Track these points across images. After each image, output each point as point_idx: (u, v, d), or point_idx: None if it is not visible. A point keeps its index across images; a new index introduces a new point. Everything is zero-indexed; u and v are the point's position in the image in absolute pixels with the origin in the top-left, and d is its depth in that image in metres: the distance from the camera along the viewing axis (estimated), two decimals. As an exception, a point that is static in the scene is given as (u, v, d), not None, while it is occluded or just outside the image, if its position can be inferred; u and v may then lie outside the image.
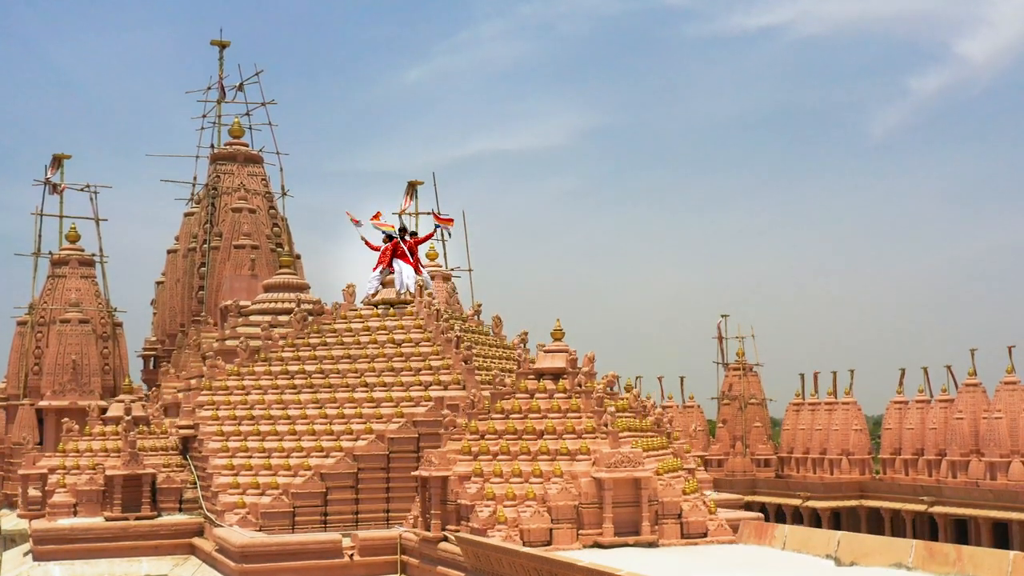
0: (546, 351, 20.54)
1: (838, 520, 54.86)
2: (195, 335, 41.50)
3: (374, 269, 27.75)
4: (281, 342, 26.99)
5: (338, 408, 23.96)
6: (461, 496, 18.47)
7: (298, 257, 45.53)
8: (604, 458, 17.83)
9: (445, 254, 46.01)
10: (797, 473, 57.63)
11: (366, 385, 24.30)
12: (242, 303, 40.24)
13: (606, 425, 18.50)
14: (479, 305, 31.34)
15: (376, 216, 27.86)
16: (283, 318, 35.92)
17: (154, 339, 46.42)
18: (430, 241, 46.85)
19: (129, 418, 24.68)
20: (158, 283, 47.17)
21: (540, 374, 20.16)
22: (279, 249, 43.48)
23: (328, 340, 26.25)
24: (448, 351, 24.57)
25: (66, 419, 26.58)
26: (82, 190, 41.36)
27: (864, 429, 56.01)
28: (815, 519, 54.25)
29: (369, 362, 25.03)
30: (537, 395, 19.76)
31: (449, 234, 29.80)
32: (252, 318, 36.09)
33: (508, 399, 19.90)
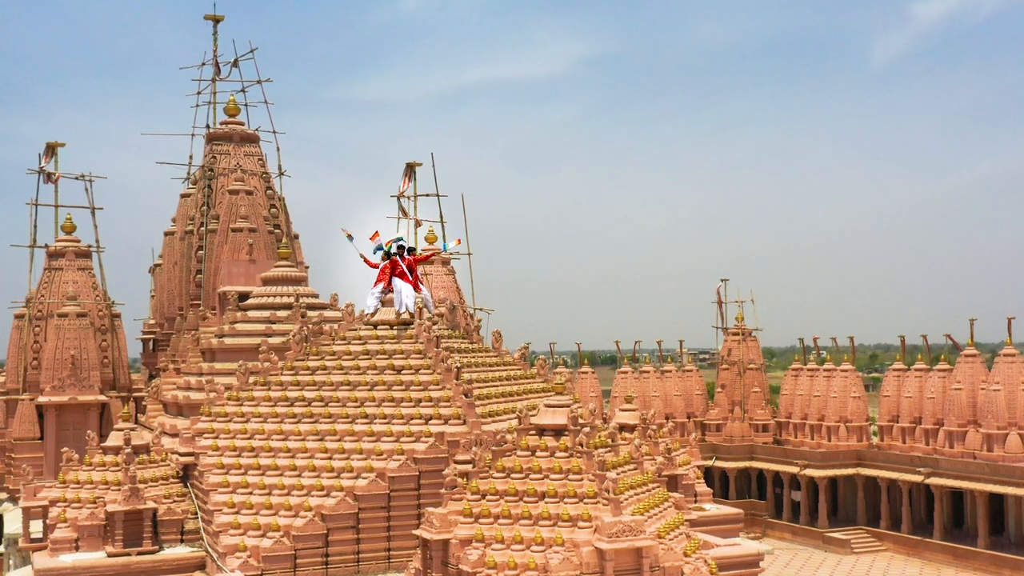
0: (547, 406, 20.35)
1: (835, 488, 55.33)
2: (194, 321, 41.29)
3: (373, 287, 27.42)
4: (280, 364, 26.67)
5: (338, 441, 23.80)
6: (462, 562, 18.39)
7: (296, 237, 45.13)
8: (606, 527, 17.72)
9: (444, 237, 45.60)
10: (795, 438, 57.92)
11: (366, 416, 24.12)
12: (240, 289, 40.03)
13: (608, 491, 18.36)
14: (479, 321, 31.14)
15: (374, 236, 27.52)
16: (282, 313, 35.75)
17: (152, 322, 46.21)
18: (428, 224, 46.75)
19: (128, 450, 24.53)
20: (156, 265, 46.86)
21: (541, 430, 19.98)
22: (276, 230, 43.06)
23: (327, 364, 25.99)
24: (448, 380, 24.36)
25: (65, 448, 26.37)
26: (77, 179, 40.86)
27: (862, 396, 56.17)
28: (812, 487, 54.66)
29: (369, 390, 24.81)
30: (538, 453, 19.59)
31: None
32: (251, 314, 35.85)
33: (509, 456, 19.74)
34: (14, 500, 36.40)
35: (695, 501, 28.56)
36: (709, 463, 57.65)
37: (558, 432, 19.82)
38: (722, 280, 62.56)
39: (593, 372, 60.43)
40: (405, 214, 45.50)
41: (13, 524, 33.50)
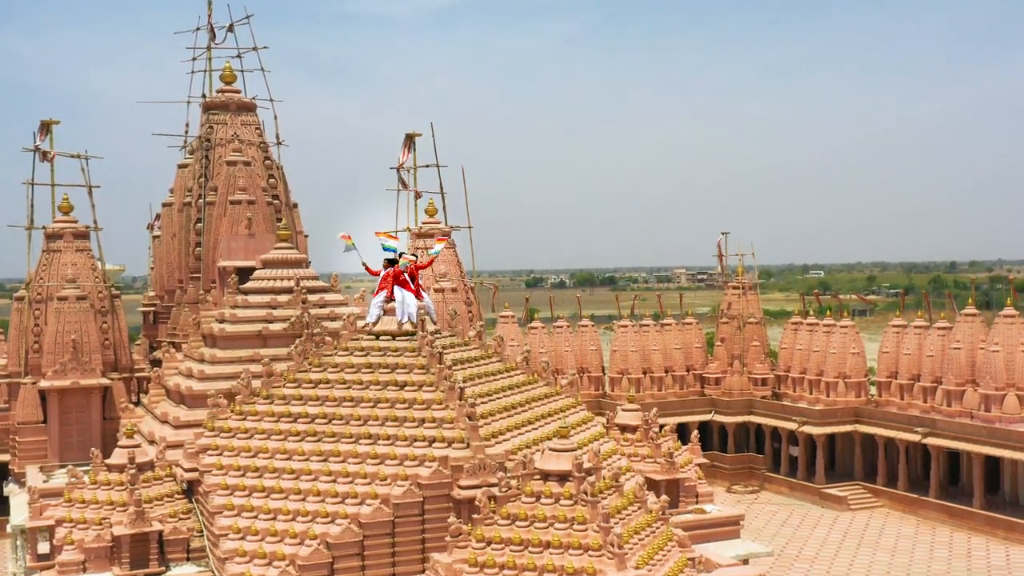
0: (552, 449, 20.29)
1: (833, 444, 55.71)
2: (194, 294, 41.11)
3: (375, 295, 27.17)
4: (282, 373, 26.52)
5: (342, 463, 23.73)
6: (468, 614, 18.53)
7: (295, 206, 44.70)
8: (611, 584, 17.81)
9: (444, 208, 45.20)
10: (794, 392, 58.17)
11: (369, 436, 24.02)
12: (240, 264, 39.80)
13: (612, 544, 18.38)
14: (482, 326, 30.91)
15: (386, 234, 27.13)
16: (282, 298, 35.54)
17: (153, 294, 46.05)
18: (428, 196, 46.28)
19: (133, 469, 24.54)
20: (155, 237, 46.56)
21: (546, 475, 19.95)
22: (275, 201, 42.66)
23: (330, 376, 25.81)
24: (451, 399, 24.23)
25: (69, 466, 26.39)
26: (73, 157, 40.26)
27: (861, 352, 56.23)
28: (810, 443, 55.06)
29: (371, 406, 24.68)
30: (543, 499, 19.58)
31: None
32: (251, 298, 35.62)
33: (514, 502, 19.74)
34: (20, 483, 36.65)
35: (696, 502, 28.77)
36: (708, 417, 58.11)
37: (562, 478, 19.80)
38: (722, 233, 62.49)
39: (593, 325, 60.48)
40: (405, 186, 45.05)
41: (19, 509, 33.79)
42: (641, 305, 64.47)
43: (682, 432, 45.81)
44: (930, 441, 49.71)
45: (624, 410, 30.12)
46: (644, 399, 54.45)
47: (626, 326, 59.79)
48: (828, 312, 59.26)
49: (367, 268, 27.25)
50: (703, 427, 56.95)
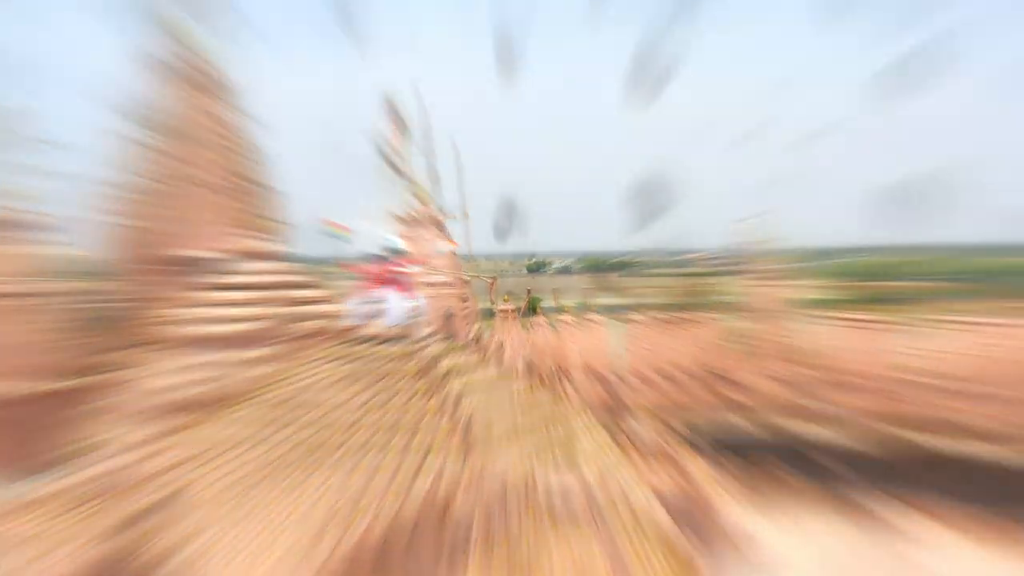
0: (555, 470, 20.60)
1: (883, 459, 55.85)
2: (149, 292, 41.25)
3: (358, 295, 27.49)
4: (258, 379, 26.87)
5: (325, 480, 24.12)
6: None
7: (272, 189, 44.69)
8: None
9: (437, 188, 45.22)
10: (830, 396, 58.34)
11: (351, 455, 24.39)
12: (205, 256, 39.98)
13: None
14: (480, 327, 31.27)
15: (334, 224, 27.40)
16: (257, 294, 35.77)
17: (107, 287, 46.19)
18: (417, 176, 46.49)
19: (93, 492, 24.83)
20: (109, 223, 46.63)
21: (550, 501, 20.26)
22: (248, 184, 42.72)
23: (309, 383, 26.17)
24: (445, 412, 24.57)
25: (12, 488, 26.69)
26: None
27: (913, 351, 56.24)
28: (849, 456, 55.26)
29: (354, 422, 25.05)
30: (547, 528, 19.92)
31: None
32: (219, 295, 35.86)
33: (515, 529, 20.07)
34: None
35: (722, 532, 29.14)
36: (734, 425, 58.25)
37: (568, 504, 20.12)
38: (749, 217, 62.51)
39: (602, 318, 60.78)
40: (389, 164, 45.02)
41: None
42: (657, 293, 64.91)
43: (704, 444, 46.10)
44: (996, 454, 49.83)
45: (638, 423, 30.42)
46: (661, 405, 54.75)
47: (639, 320, 60.03)
48: (870, 302, 59.55)
49: (350, 266, 27.54)
50: (729, 438, 57.10)
